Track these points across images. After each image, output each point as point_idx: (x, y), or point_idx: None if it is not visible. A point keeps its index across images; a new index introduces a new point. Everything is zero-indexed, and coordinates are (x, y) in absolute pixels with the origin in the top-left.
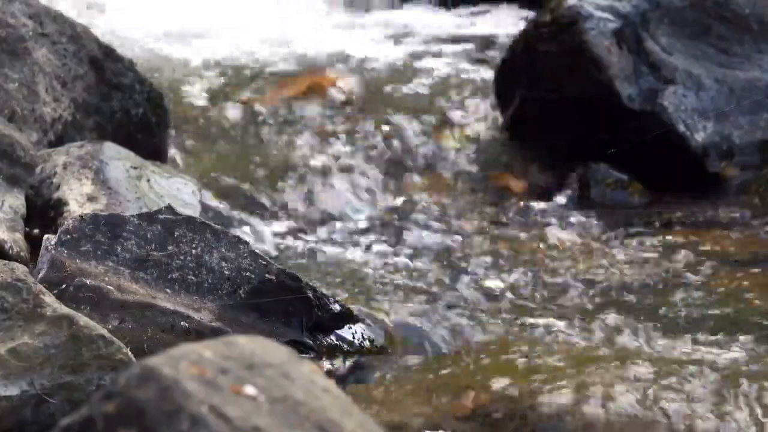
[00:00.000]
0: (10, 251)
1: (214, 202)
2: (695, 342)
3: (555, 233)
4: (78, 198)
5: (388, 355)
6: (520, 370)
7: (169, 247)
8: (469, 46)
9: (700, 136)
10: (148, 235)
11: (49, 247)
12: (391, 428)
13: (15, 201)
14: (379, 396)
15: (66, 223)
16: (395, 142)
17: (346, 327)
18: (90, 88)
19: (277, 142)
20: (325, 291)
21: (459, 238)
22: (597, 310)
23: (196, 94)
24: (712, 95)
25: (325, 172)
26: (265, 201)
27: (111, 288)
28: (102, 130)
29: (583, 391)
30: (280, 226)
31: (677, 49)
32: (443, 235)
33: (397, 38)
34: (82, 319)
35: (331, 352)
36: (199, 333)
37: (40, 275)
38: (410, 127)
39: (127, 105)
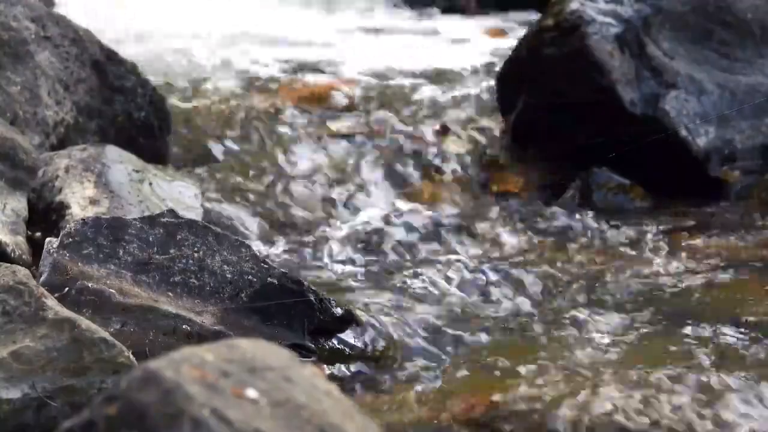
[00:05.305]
0: (12, 254)
1: (216, 206)
2: (697, 345)
3: (557, 237)
4: (80, 201)
5: (390, 358)
6: (524, 375)
7: (171, 251)
8: (472, 50)
9: (701, 141)
10: (150, 239)
11: (51, 251)
12: None
13: (17, 204)
14: (380, 400)
15: (68, 226)
16: (397, 147)
17: (348, 330)
18: (92, 91)
19: (279, 146)
20: (326, 294)
21: (461, 242)
22: (599, 315)
23: (199, 97)
24: (714, 100)
25: (327, 177)
26: (267, 204)
27: (113, 291)
28: (104, 134)
29: (588, 397)
30: (282, 229)
31: (679, 53)
32: (445, 239)
33: (400, 42)
34: (84, 323)
35: (333, 355)
36: (201, 336)
37: (42, 278)
38: (412, 131)
39: (129, 108)
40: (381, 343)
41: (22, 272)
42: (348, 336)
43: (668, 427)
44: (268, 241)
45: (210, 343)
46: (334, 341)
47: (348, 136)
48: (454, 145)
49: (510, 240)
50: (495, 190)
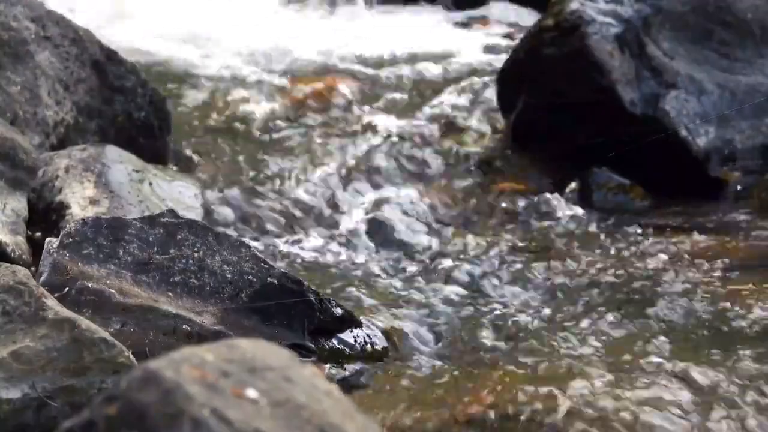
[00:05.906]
0: (12, 254)
1: (216, 206)
2: (698, 345)
3: (556, 237)
4: (80, 201)
5: (390, 358)
6: (523, 375)
7: (171, 251)
8: (473, 49)
9: (701, 141)
10: (150, 239)
11: (51, 251)
12: None
13: (17, 204)
14: (380, 400)
15: (68, 226)
16: (397, 147)
17: (348, 330)
18: (92, 91)
19: (279, 145)
20: (326, 294)
21: (461, 242)
22: (598, 315)
23: (199, 97)
24: (713, 100)
25: (327, 176)
26: (267, 204)
27: (113, 291)
28: (104, 134)
29: (586, 396)
30: (282, 229)
31: (679, 53)
32: (445, 239)
33: (401, 42)
34: (84, 323)
35: (333, 355)
36: (201, 336)
37: (42, 278)
38: (413, 131)
39: (129, 108)
40: (381, 343)
41: (22, 272)
42: (348, 336)
43: (670, 426)
44: (268, 241)
45: (210, 343)
46: (334, 341)
47: (347, 136)
48: (454, 145)
49: (510, 240)
50: (495, 189)
